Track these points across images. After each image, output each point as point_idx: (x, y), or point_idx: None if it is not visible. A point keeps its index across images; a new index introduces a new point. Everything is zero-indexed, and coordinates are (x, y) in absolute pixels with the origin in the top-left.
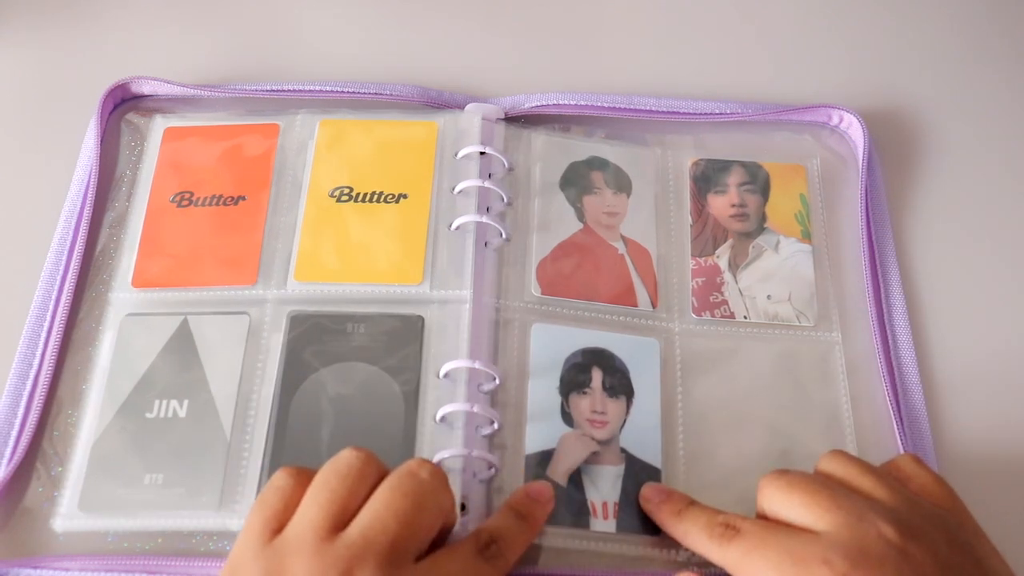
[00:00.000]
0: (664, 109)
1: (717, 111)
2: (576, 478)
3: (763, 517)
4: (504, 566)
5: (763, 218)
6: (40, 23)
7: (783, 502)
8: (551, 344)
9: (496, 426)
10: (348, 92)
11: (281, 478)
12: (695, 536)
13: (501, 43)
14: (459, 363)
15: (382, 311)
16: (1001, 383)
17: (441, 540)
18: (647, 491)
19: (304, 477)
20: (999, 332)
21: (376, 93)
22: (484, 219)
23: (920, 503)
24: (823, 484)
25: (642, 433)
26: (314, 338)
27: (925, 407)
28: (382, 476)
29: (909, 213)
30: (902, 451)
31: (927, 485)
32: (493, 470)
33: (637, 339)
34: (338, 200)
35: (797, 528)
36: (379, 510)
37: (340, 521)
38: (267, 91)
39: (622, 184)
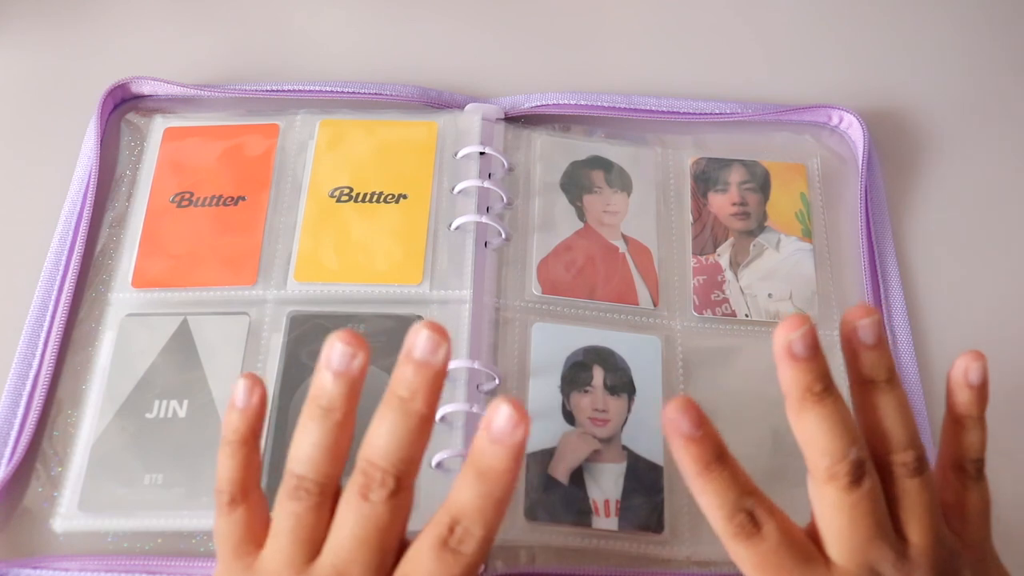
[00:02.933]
0: (664, 109)
1: (717, 111)
2: (578, 476)
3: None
4: (477, 548)
5: (764, 217)
6: (40, 23)
7: (830, 509)
8: (552, 343)
9: None
10: (348, 92)
11: (222, 507)
12: (713, 508)
13: (501, 43)
14: (459, 363)
15: (382, 311)
16: (999, 383)
17: None
18: (674, 413)
19: (241, 491)
20: (999, 332)
21: (376, 93)
22: (484, 219)
23: (945, 553)
24: (875, 522)
25: (644, 431)
26: (314, 338)
27: (925, 407)
28: (337, 485)
29: (909, 213)
30: None
31: (973, 510)
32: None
33: (638, 337)
34: (338, 200)
35: (814, 555)
36: (342, 539)
37: (311, 549)
38: (267, 91)
39: (623, 183)
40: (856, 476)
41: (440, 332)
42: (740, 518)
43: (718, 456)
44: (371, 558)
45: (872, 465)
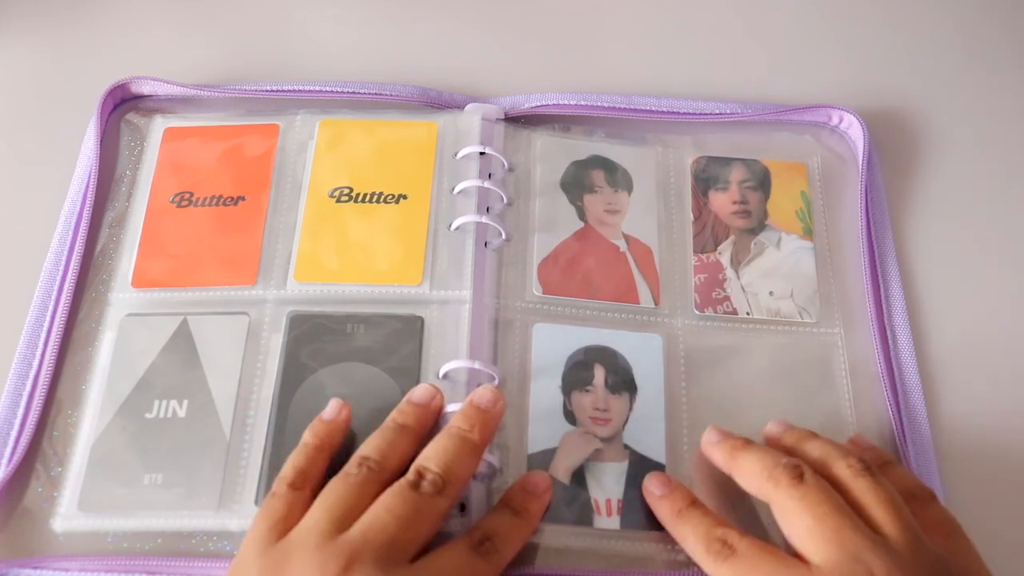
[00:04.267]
0: (664, 109)
1: (717, 111)
2: (579, 476)
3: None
4: (500, 561)
5: (764, 215)
6: (40, 23)
7: (791, 516)
8: (553, 343)
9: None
10: (348, 92)
11: (281, 485)
12: (691, 544)
13: (501, 43)
14: (458, 363)
15: (382, 311)
16: (1000, 382)
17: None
18: (649, 482)
19: (302, 480)
20: (998, 331)
21: (376, 93)
22: (484, 219)
23: (925, 546)
24: (834, 509)
25: (646, 429)
26: (314, 338)
27: (924, 407)
28: (390, 481)
29: (909, 213)
30: (901, 448)
31: (942, 522)
32: (493, 470)
33: (640, 336)
34: (338, 200)
35: (791, 559)
36: (380, 513)
37: (344, 523)
38: (267, 91)
39: (623, 182)
40: (796, 473)
41: (499, 393)
42: (715, 545)
43: (689, 504)
44: (399, 535)
45: (813, 471)
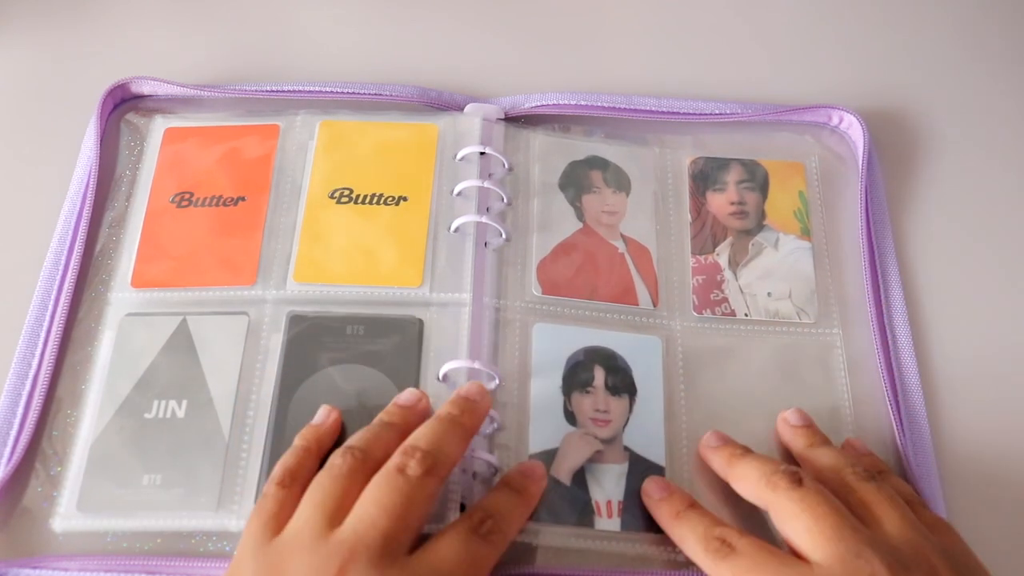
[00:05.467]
0: (664, 109)
1: (717, 111)
2: (580, 477)
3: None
4: (501, 541)
5: (762, 215)
6: (40, 23)
7: (790, 518)
8: (553, 343)
9: (496, 426)
10: (348, 93)
11: (270, 485)
12: (691, 544)
13: (501, 43)
14: (458, 364)
15: (381, 313)
16: (1000, 382)
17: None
18: (648, 485)
19: (291, 479)
20: (998, 332)
21: (376, 94)
22: (484, 219)
23: (929, 540)
24: (833, 509)
25: (645, 431)
26: (313, 339)
27: (924, 407)
28: (376, 470)
29: (909, 213)
30: (901, 448)
31: (937, 522)
32: (494, 470)
33: (639, 337)
34: (338, 201)
35: (792, 558)
36: (368, 507)
37: (336, 518)
38: (267, 92)
39: (621, 183)
40: (795, 477)
41: (485, 389)
42: (714, 543)
43: (687, 506)
44: (391, 527)
45: (811, 477)
